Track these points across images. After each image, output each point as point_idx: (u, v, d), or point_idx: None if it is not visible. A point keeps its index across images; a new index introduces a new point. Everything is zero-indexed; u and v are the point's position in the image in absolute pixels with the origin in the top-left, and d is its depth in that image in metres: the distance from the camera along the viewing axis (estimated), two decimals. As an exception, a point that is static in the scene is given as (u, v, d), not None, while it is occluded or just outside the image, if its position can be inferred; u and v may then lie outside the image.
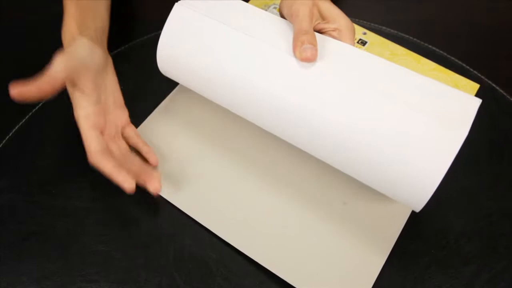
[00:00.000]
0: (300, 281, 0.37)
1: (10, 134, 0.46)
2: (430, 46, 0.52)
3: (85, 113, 0.40)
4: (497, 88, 0.50)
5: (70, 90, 0.41)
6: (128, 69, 0.48)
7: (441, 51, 0.52)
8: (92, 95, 0.40)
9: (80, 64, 0.39)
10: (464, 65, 0.51)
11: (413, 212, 0.41)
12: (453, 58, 0.52)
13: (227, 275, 0.39)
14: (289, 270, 0.38)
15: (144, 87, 0.48)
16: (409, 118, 0.33)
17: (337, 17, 0.39)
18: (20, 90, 0.35)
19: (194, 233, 0.40)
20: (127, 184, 0.37)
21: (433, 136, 0.32)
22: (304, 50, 0.35)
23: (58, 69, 0.38)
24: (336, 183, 0.42)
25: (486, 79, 0.51)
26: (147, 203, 0.42)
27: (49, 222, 0.41)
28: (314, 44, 0.35)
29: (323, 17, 0.39)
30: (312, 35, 0.36)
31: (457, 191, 0.38)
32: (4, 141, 0.46)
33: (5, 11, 0.56)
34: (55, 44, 0.44)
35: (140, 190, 0.42)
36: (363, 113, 0.34)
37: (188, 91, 0.47)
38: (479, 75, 0.51)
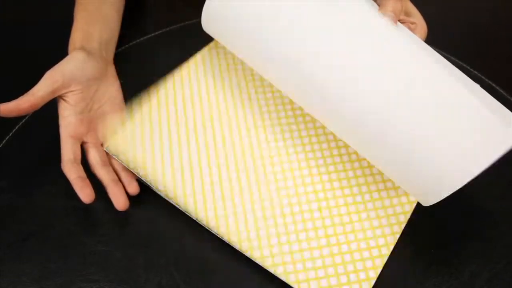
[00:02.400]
0: (300, 281, 0.37)
1: (10, 134, 0.46)
2: (430, 46, 0.52)
3: (65, 122, 0.41)
4: (497, 88, 0.50)
5: (57, 99, 0.42)
6: (128, 69, 0.48)
7: (441, 51, 0.52)
8: (77, 106, 0.42)
9: (67, 79, 0.41)
10: (464, 65, 0.51)
11: (413, 212, 0.41)
12: (453, 58, 0.52)
13: (227, 275, 0.39)
14: (289, 270, 0.38)
15: (144, 87, 0.48)
16: (455, 119, 0.34)
17: (418, 16, 0.43)
18: (1, 109, 0.39)
19: (194, 233, 0.40)
20: (82, 195, 0.39)
21: (471, 143, 0.34)
22: (387, 15, 0.37)
23: (40, 88, 0.40)
24: (342, 184, 0.42)
25: (486, 79, 0.51)
26: (147, 203, 0.42)
27: (49, 222, 0.41)
28: (397, 15, 0.38)
29: (406, 12, 0.43)
30: (399, 8, 0.38)
31: (457, 191, 0.38)
32: (4, 141, 0.46)
33: (5, 11, 0.56)
34: (55, 45, 0.44)
35: (141, 190, 0.42)
36: (417, 102, 0.35)
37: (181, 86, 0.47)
38: (479, 75, 0.51)
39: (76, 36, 0.45)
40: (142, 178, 0.41)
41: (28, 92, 0.39)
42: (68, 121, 0.41)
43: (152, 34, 0.53)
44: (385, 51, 0.36)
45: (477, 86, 0.37)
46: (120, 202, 0.40)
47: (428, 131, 0.34)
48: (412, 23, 0.43)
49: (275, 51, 0.38)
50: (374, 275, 0.38)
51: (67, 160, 0.40)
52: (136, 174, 0.42)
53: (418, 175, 0.35)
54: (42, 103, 0.40)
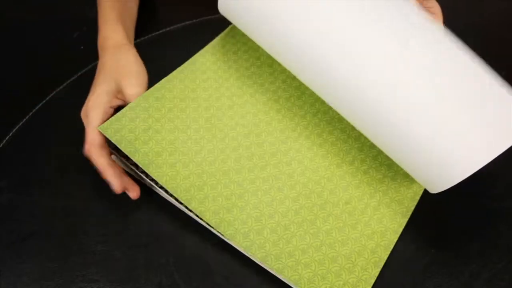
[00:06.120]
0: (301, 281, 0.37)
1: (10, 134, 0.46)
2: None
3: (98, 112, 0.41)
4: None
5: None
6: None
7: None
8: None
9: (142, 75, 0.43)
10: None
11: (413, 212, 0.41)
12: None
13: (227, 275, 0.39)
14: (290, 270, 0.38)
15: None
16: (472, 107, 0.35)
17: (436, 5, 0.45)
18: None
19: (194, 233, 0.40)
20: (116, 186, 0.39)
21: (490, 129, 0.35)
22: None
23: (132, 91, 0.42)
24: (345, 181, 0.42)
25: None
26: (147, 203, 0.42)
27: (49, 222, 0.41)
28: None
29: None
30: None
31: (457, 190, 0.38)
32: (4, 141, 0.46)
33: (5, 11, 0.56)
34: (55, 45, 0.44)
35: (140, 190, 0.42)
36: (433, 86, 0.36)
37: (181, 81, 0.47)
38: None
39: (118, 28, 0.46)
40: (139, 165, 0.41)
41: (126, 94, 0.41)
42: (102, 111, 0.41)
43: (153, 34, 0.53)
44: (409, 36, 0.36)
45: (496, 80, 0.37)
46: (116, 184, 0.39)
47: (446, 116, 0.35)
48: (431, 7, 0.44)
49: (293, 31, 0.38)
50: (375, 272, 0.38)
51: (96, 144, 0.39)
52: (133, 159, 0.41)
53: (432, 159, 0.36)
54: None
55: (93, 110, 0.40)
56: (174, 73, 0.47)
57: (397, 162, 0.40)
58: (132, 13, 0.48)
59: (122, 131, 0.41)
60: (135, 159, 0.40)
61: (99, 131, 0.40)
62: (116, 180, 0.39)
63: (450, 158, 0.35)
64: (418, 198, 0.42)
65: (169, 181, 0.40)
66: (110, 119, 0.41)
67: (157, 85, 0.45)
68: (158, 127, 0.43)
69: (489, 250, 0.40)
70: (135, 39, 0.53)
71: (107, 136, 0.41)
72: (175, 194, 0.40)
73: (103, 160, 0.39)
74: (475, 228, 0.41)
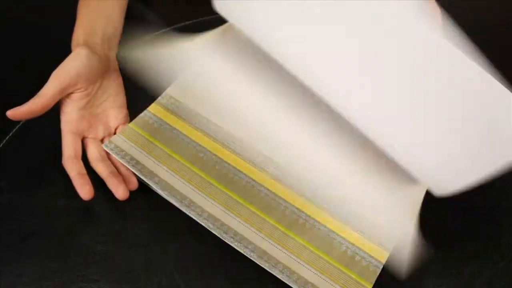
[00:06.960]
0: (301, 281, 0.37)
1: (10, 134, 0.46)
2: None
3: (67, 118, 0.42)
4: (498, 87, 0.50)
5: None
6: (128, 69, 0.48)
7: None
8: (79, 102, 0.42)
9: (74, 77, 0.41)
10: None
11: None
12: (453, 57, 0.52)
13: (227, 275, 0.39)
14: (289, 270, 0.38)
15: (144, 87, 0.48)
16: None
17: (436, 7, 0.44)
18: (13, 113, 0.39)
19: (194, 233, 0.40)
20: (82, 192, 0.39)
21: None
22: None
23: (49, 88, 0.40)
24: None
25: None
26: (147, 202, 0.42)
27: (49, 222, 0.41)
28: None
29: None
30: None
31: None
32: (4, 141, 0.46)
33: (5, 11, 0.56)
34: (55, 45, 0.44)
35: (140, 190, 0.42)
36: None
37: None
38: (479, 74, 0.51)
39: (79, 32, 0.45)
40: (141, 176, 0.41)
41: (38, 94, 0.39)
42: (70, 117, 0.41)
43: (154, 34, 0.53)
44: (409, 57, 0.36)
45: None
46: (120, 191, 0.40)
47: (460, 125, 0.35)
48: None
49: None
50: (375, 272, 0.38)
51: (67, 156, 0.40)
52: (135, 171, 0.42)
53: (438, 167, 0.36)
54: (53, 104, 0.40)
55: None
56: (174, 84, 0.47)
57: (403, 165, 0.40)
58: (109, 13, 0.48)
59: (122, 146, 0.43)
60: (135, 171, 0.42)
61: (71, 143, 0.41)
62: (81, 189, 0.39)
63: (456, 167, 0.35)
64: (421, 201, 0.41)
65: (171, 193, 0.41)
66: (112, 136, 0.43)
67: (158, 99, 0.46)
68: (159, 138, 0.44)
69: (491, 249, 0.40)
70: (134, 40, 0.52)
71: (110, 152, 0.42)
72: (175, 201, 0.40)
73: (70, 170, 0.40)
74: (476, 227, 0.41)
